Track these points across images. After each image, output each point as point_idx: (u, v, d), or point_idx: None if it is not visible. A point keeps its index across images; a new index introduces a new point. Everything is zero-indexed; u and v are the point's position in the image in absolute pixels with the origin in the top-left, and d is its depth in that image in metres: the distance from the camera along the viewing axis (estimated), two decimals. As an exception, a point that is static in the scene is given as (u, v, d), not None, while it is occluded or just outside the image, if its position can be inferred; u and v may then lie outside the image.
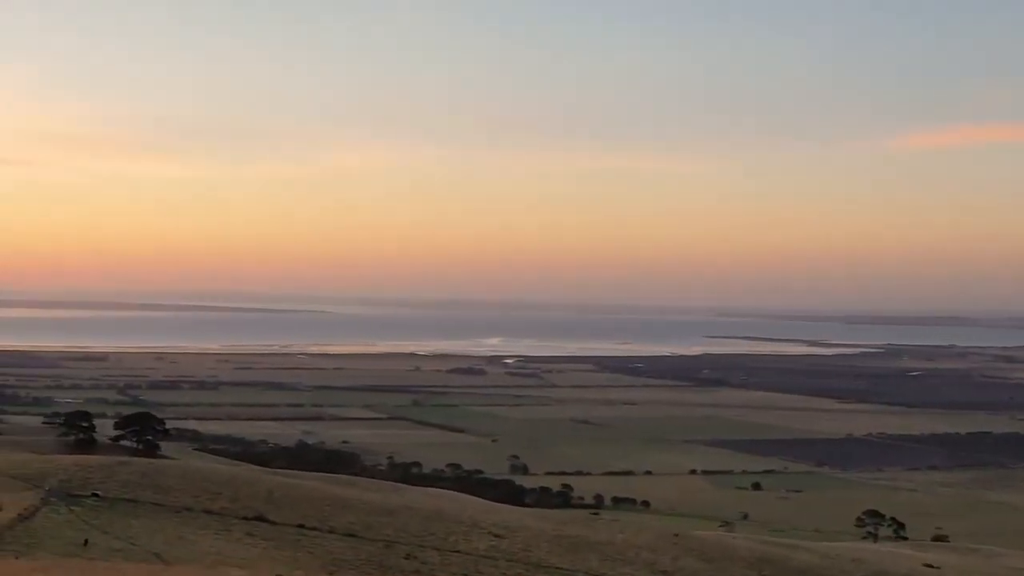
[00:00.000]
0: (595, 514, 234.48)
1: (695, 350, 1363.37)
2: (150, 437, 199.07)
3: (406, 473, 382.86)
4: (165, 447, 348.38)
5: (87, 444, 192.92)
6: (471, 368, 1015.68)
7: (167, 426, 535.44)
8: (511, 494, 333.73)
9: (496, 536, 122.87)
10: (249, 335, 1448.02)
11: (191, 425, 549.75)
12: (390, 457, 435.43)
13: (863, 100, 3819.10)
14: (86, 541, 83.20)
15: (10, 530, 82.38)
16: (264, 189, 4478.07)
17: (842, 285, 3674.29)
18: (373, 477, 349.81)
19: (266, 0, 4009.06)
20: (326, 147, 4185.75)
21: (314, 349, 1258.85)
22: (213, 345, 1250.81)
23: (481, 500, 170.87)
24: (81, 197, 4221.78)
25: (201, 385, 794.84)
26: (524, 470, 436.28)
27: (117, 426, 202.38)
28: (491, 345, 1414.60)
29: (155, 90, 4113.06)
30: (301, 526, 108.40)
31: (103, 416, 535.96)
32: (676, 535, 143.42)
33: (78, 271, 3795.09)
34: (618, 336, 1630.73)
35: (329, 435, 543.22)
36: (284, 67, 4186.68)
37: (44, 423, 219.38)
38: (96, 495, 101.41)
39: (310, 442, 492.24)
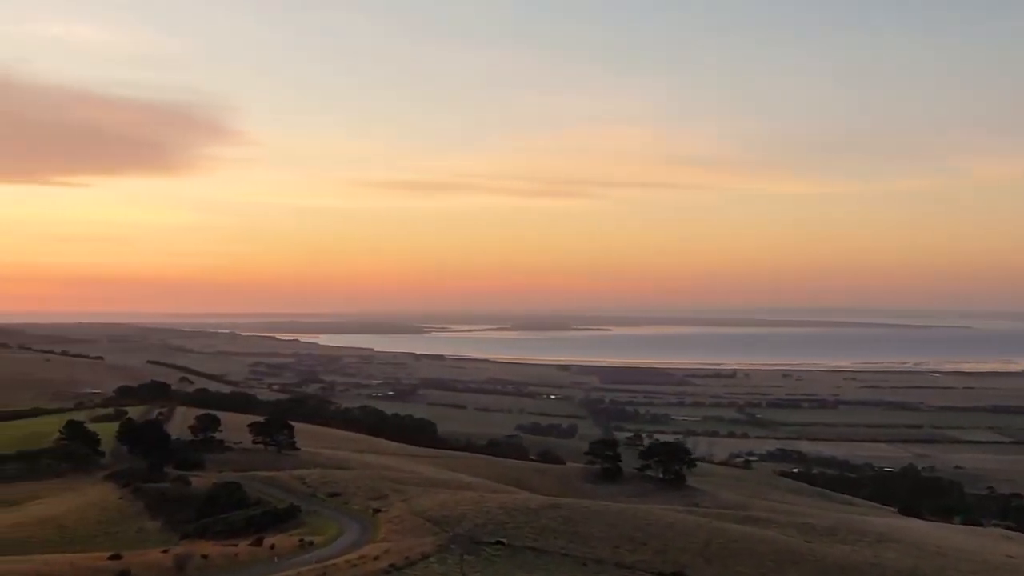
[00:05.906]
0: None
1: None
2: (677, 468, 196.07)
3: (1004, 505, 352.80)
4: (757, 468, 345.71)
5: (612, 474, 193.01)
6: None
7: (776, 446, 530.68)
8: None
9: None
10: (884, 352, 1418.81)
11: (800, 446, 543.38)
12: (990, 487, 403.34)
13: None
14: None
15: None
16: (896, 203, 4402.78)
17: None
18: (966, 507, 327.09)
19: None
20: (964, 158, 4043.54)
21: (947, 367, 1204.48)
22: (844, 362, 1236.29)
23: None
24: (715, 217, 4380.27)
25: (821, 404, 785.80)
26: None
27: (642, 456, 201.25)
28: None
29: (789, 111, 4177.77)
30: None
31: (715, 435, 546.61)
32: None
33: (707, 289, 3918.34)
34: None
35: (943, 459, 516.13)
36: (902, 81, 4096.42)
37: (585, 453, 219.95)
38: (501, 543, 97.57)
39: (920, 467, 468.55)
